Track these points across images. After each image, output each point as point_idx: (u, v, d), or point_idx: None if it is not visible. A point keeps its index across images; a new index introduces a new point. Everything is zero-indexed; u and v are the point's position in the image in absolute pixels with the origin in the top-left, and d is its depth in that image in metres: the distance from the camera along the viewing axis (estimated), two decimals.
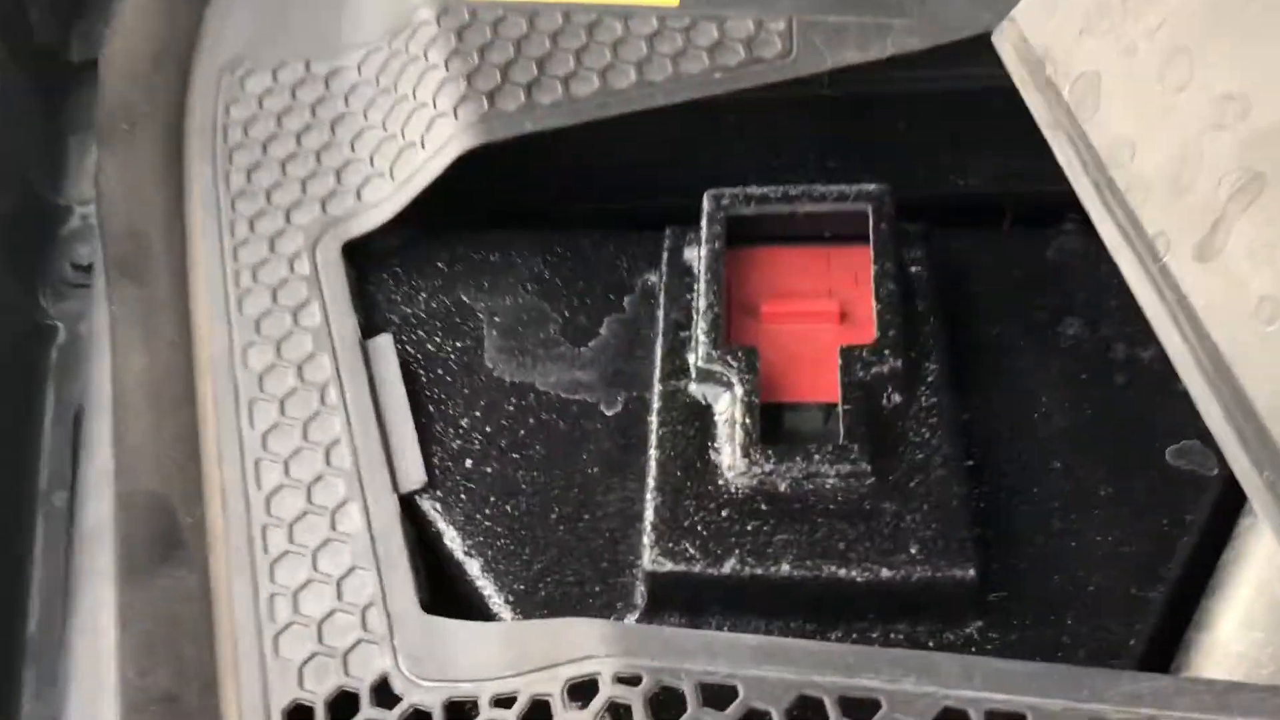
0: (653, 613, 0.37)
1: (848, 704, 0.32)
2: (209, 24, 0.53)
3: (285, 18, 0.53)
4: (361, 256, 0.47)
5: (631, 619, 0.37)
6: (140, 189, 0.48)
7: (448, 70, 0.47)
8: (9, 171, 0.56)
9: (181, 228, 0.48)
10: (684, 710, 0.33)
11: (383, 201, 0.46)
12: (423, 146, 0.46)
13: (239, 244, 0.47)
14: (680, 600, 0.37)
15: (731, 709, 0.33)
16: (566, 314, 0.45)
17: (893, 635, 0.36)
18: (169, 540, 0.40)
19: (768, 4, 0.47)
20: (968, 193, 0.53)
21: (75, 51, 0.64)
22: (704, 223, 0.43)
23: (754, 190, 0.43)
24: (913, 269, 0.42)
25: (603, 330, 0.45)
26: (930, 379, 0.39)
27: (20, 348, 0.54)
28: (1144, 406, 0.40)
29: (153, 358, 0.43)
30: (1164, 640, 0.37)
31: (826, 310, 0.41)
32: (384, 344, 0.44)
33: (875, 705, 0.32)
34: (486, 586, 0.39)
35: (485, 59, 0.47)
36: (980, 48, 0.45)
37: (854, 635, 0.36)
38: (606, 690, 0.34)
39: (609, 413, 0.42)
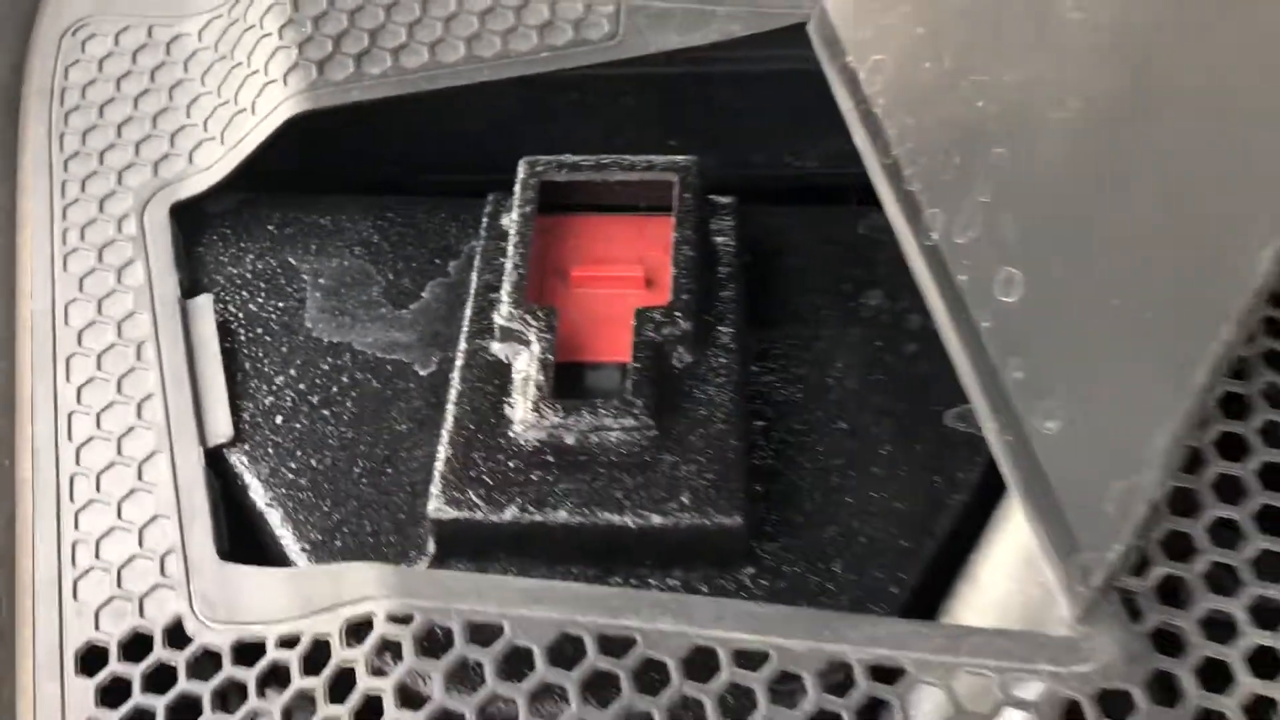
0: (441, 559, 0.39)
1: (606, 642, 0.34)
2: None
3: None
4: (191, 219, 0.48)
5: (421, 566, 0.38)
6: None
7: (281, 38, 0.48)
8: None
9: (11, 188, 0.48)
10: (453, 647, 0.34)
11: (213, 165, 0.48)
12: (253, 112, 0.48)
13: (69, 204, 0.48)
14: (466, 547, 0.38)
15: (496, 645, 0.34)
16: (390, 277, 0.47)
17: (669, 580, 0.38)
18: None
19: None
20: (808, 173, 0.55)
21: None
22: (517, 188, 0.44)
23: (569, 158, 0.45)
24: (718, 239, 0.44)
25: (425, 294, 0.46)
26: (722, 341, 0.41)
27: None
28: (930, 373, 0.42)
29: None
30: (932, 590, 0.39)
31: (632, 276, 0.43)
32: (203, 304, 0.45)
33: (631, 643, 0.34)
34: (285, 536, 0.40)
35: (319, 29, 0.48)
36: (802, 33, 0.47)
37: (632, 580, 0.38)
38: (380, 629, 0.35)
39: (423, 372, 0.44)
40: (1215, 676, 0.34)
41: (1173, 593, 0.35)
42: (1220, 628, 0.34)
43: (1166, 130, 0.31)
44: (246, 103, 0.48)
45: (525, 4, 0.49)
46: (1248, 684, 0.33)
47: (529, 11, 0.48)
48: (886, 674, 0.34)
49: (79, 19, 0.53)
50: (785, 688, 0.34)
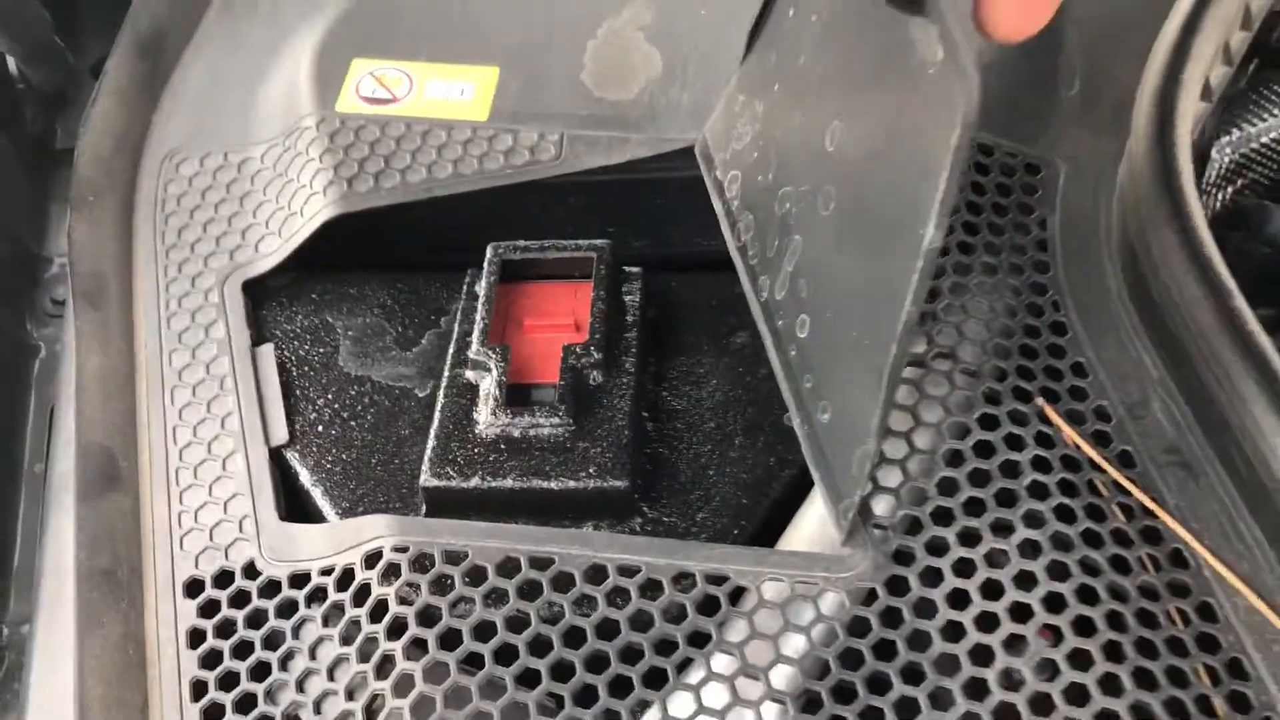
0: (430, 515, 0.56)
1: (535, 561, 0.51)
2: (156, 125, 0.73)
3: (212, 121, 0.72)
4: (257, 291, 0.65)
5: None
6: (100, 243, 0.67)
7: (321, 162, 0.66)
8: (7, 230, 0.76)
9: (129, 270, 0.67)
10: (434, 567, 0.52)
11: (273, 253, 0.65)
12: (302, 215, 0.66)
13: (170, 281, 0.66)
14: (446, 506, 0.55)
15: (463, 565, 0.51)
16: (400, 329, 0.65)
17: (580, 526, 0.55)
18: (111, 476, 0.58)
19: (548, 123, 0.67)
20: (710, 250, 0.73)
21: (59, 140, 0.84)
22: (485, 265, 0.62)
23: (522, 243, 0.63)
24: (627, 297, 0.62)
25: (424, 340, 0.64)
26: (625, 367, 0.59)
27: (11, 362, 0.73)
28: (775, 390, 0.59)
29: (104, 358, 0.62)
30: (768, 536, 0.55)
31: (565, 324, 0.61)
32: (266, 350, 0.62)
33: (551, 562, 0.51)
34: (325, 505, 0.57)
35: (348, 154, 0.66)
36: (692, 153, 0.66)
37: (555, 526, 0.55)
38: (387, 557, 0.52)
39: (420, 395, 0.62)
40: (933, 580, 0.51)
41: (913, 524, 0.52)
42: (938, 550, 0.51)
43: (870, 221, 0.48)
44: (297, 208, 0.66)
45: (495, 134, 0.67)
46: (951, 582, 0.49)
47: (498, 140, 0.67)
48: (718, 580, 0.51)
49: (174, 148, 0.71)
50: (650, 591, 0.50)
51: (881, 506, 0.51)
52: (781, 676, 0.47)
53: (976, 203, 0.61)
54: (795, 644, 0.48)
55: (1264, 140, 0.94)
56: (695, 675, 0.48)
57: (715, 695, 0.47)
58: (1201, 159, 0.80)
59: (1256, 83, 0.93)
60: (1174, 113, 0.56)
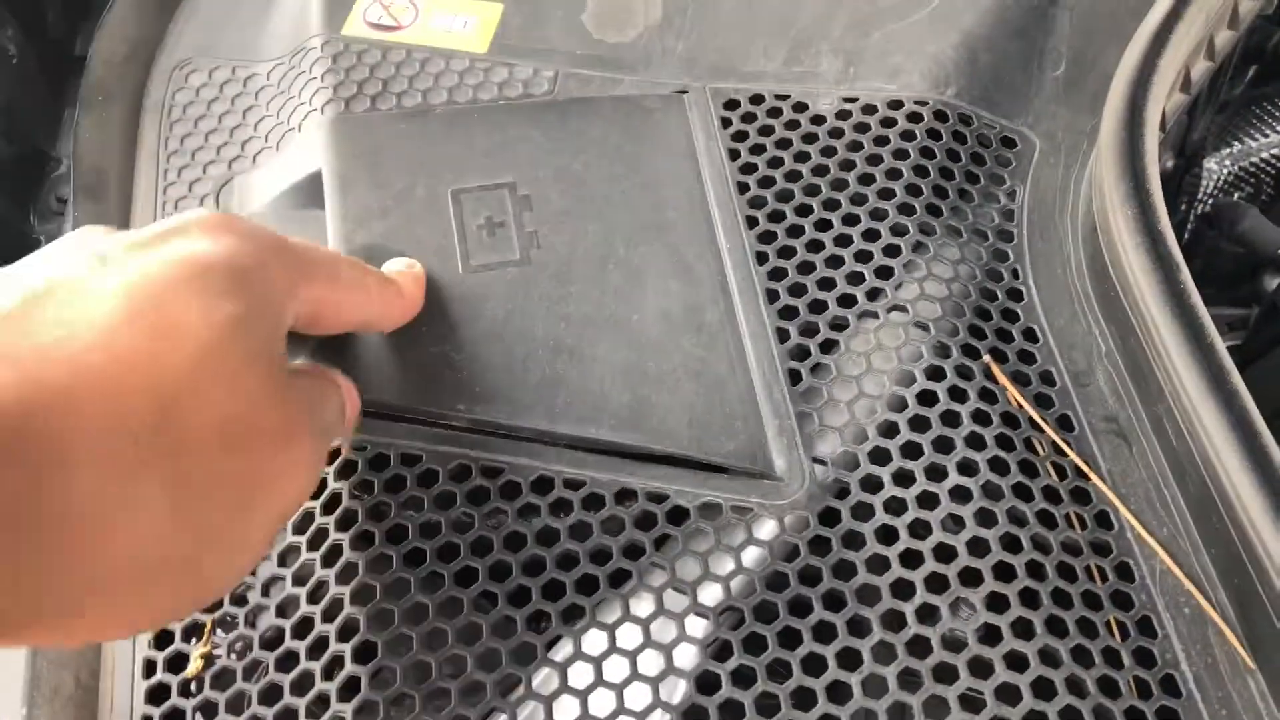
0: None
1: (485, 470, 0.53)
2: (169, 36, 0.75)
3: (224, 36, 0.75)
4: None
5: None
6: (105, 141, 0.69)
7: (322, 81, 0.68)
8: (21, 129, 0.78)
9: (131, 170, 0.69)
10: (389, 468, 0.54)
11: (267, 164, 0.68)
12: (299, 131, 0.68)
13: (168, 184, 0.68)
14: None
15: (417, 468, 0.54)
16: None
17: None
18: None
19: (544, 59, 0.69)
20: None
21: (78, 47, 0.86)
22: None
23: None
24: None
25: None
26: None
27: (13, 254, 0.75)
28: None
29: None
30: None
31: None
32: None
33: (501, 471, 0.53)
34: None
35: (348, 76, 0.68)
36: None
37: None
38: (345, 454, 0.54)
39: None
40: (865, 515, 0.53)
41: (851, 461, 0.54)
42: (873, 488, 0.53)
43: None
44: (295, 124, 0.69)
45: (491, 66, 0.69)
46: (881, 518, 0.51)
47: (494, 72, 0.69)
48: (659, 499, 0.53)
49: (185, 59, 0.74)
50: (593, 505, 0.52)
51: (823, 442, 0.53)
52: (709, 593, 0.49)
53: (950, 169, 0.63)
54: (724, 564, 0.50)
55: (1263, 155, 0.95)
56: (626, 586, 0.50)
57: (642, 605, 0.49)
58: (1190, 162, 0.81)
59: (1259, 97, 0.95)
60: (1146, 97, 0.58)
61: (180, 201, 0.67)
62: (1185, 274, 0.52)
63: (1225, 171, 0.97)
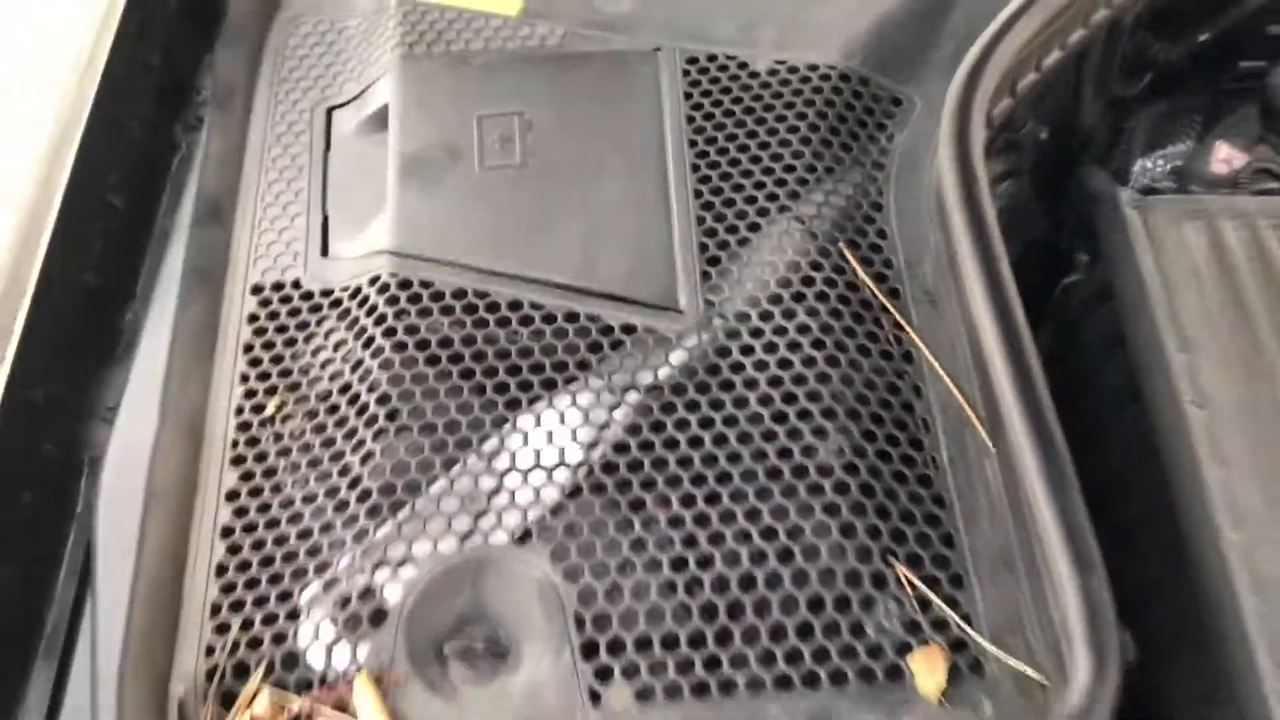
0: None
1: (477, 294, 0.76)
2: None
3: None
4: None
5: None
6: (235, 67, 0.94)
7: (395, 34, 0.93)
8: (173, 64, 1.04)
9: (252, 90, 0.94)
10: (414, 289, 0.77)
11: (351, 93, 0.93)
12: (375, 67, 0.92)
13: (278, 102, 0.92)
14: None
15: (429, 291, 0.77)
16: None
17: None
18: (215, 214, 0.85)
19: (557, 22, 0.92)
20: None
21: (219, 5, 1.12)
22: None
23: None
24: None
25: None
26: None
27: (159, 155, 1.01)
28: None
29: (224, 142, 0.90)
30: None
31: None
32: (332, 156, 0.89)
33: (487, 295, 0.76)
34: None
35: (415, 30, 0.93)
36: None
37: None
38: (384, 280, 0.78)
39: None
40: (747, 353, 0.74)
41: (744, 316, 0.75)
42: (755, 332, 0.75)
43: None
44: (374, 63, 0.93)
45: (519, 26, 0.93)
46: (761, 354, 0.73)
47: (520, 30, 0.92)
48: (594, 319, 0.75)
49: (298, 13, 0.99)
50: (549, 320, 0.76)
51: (717, 295, 0.75)
52: (625, 385, 0.71)
53: (846, 116, 0.84)
54: (639, 368, 0.72)
55: (1176, 164, 1.16)
56: (564, 376, 0.73)
57: (583, 396, 0.72)
58: (1082, 138, 1.01)
59: (1187, 109, 1.14)
60: (984, 69, 0.79)
61: (286, 114, 0.92)
62: (981, 184, 0.73)
63: (1157, 169, 1.17)
